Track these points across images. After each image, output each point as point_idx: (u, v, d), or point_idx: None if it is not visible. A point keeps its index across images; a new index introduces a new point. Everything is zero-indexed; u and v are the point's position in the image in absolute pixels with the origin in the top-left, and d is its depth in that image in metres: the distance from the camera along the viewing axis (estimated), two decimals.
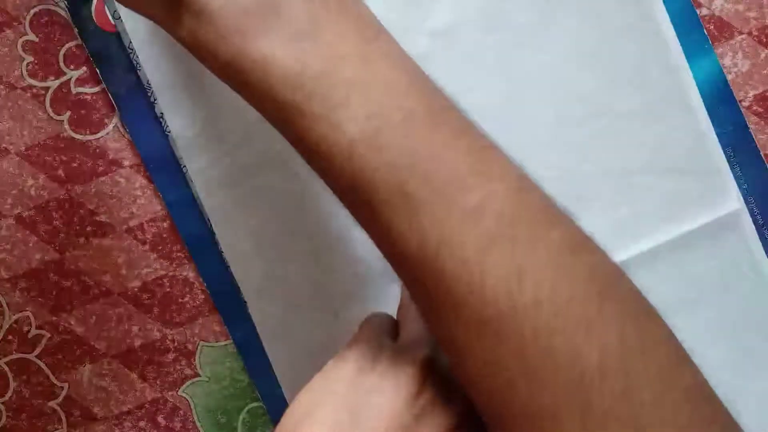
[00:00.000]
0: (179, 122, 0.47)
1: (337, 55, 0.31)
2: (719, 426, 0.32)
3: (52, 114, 0.48)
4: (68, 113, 0.48)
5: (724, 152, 0.47)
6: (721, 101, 0.47)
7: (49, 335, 0.49)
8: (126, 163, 0.48)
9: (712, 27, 0.47)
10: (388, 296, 0.48)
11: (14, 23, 0.47)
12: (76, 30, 0.47)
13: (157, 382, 0.50)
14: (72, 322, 0.49)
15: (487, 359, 0.30)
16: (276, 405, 0.49)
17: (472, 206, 0.30)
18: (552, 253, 0.30)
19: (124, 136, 0.48)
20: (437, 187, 0.30)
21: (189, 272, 0.49)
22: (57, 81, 0.48)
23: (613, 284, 0.32)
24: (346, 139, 0.30)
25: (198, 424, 0.50)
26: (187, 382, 0.50)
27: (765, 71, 0.47)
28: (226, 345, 0.49)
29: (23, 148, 0.48)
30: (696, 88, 0.47)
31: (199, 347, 0.49)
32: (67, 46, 0.48)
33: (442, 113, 0.32)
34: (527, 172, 0.33)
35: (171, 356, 0.50)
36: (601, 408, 0.29)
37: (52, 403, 0.50)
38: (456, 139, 0.31)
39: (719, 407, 0.33)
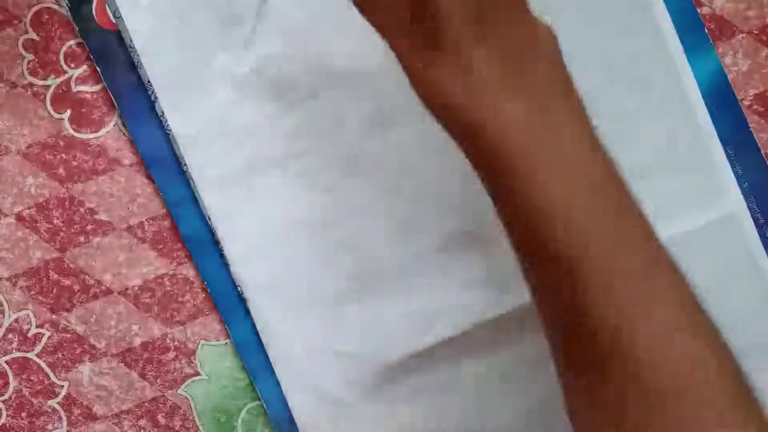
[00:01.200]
0: (179, 121, 0.47)
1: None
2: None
3: (52, 112, 0.48)
4: (69, 112, 0.48)
5: (725, 151, 0.47)
6: (721, 100, 0.47)
7: (49, 334, 0.49)
8: (126, 161, 0.48)
9: (713, 26, 0.47)
10: (389, 296, 0.48)
11: (15, 22, 0.47)
12: (76, 28, 0.47)
13: (157, 381, 0.50)
14: (72, 321, 0.49)
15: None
16: (276, 404, 0.49)
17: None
18: None
19: (124, 134, 0.48)
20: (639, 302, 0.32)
21: (189, 271, 0.49)
22: (57, 79, 0.48)
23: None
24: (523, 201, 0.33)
25: (198, 423, 0.50)
26: (187, 381, 0.50)
27: (765, 70, 0.47)
28: (226, 344, 0.49)
29: (24, 147, 0.48)
30: (696, 88, 0.47)
31: (199, 346, 0.49)
32: (67, 44, 0.48)
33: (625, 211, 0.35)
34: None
35: (171, 355, 0.50)
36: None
37: (52, 402, 0.50)
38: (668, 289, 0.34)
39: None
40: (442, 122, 0.34)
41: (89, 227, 0.49)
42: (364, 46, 0.46)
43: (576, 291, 0.32)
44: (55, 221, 0.49)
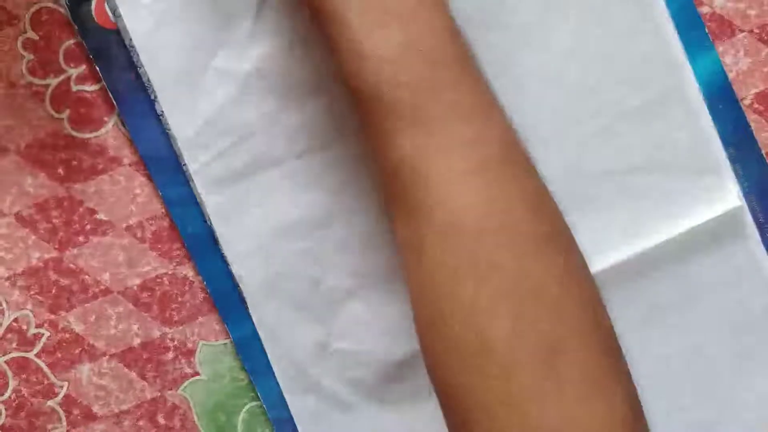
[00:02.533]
0: (179, 120, 0.47)
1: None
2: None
3: (51, 112, 0.48)
4: (68, 111, 0.48)
5: (725, 150, 0.47)
6: (721, 99, 0.47)
7: (48, 334, 0.49)
8: (126, 161, 0.48)
9: (713, 25, 0.47)
10: (390, 296, 0.48)
11: (14, 21, 0.47)
12: (76, 28, 0.47)
13: (157, 381, 0.50)
14: (71, 321, 0.49)
15: (440, 259, 0.35)
16: (275, 404, 0.49)
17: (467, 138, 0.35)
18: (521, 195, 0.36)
19: (123, 134, 0.48)
20: (442, 115, 0.35)
21: (189, 271, 0.49)
22: (57, 79, 0.48)
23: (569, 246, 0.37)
24: (376, 56, 0.35)
25: (197, 423, 0.50)
26: (187, 381, 0.50)
27: (766, 69, 0.47)
28: (225, 344, 0.49)
29: (23, 146, 0.48)
30: (697, 87, 0.47)
31: (198, 346, 0.49)
32: (67, 43, 0.47)
33: (467, 62, 0.37)
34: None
35: (170, 355, 0.49)
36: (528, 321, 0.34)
37: (52, 402, 0.50)
38: (473, 82, 0.36)
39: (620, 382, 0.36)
40: None
41: (88, 227, 0.49)
42: None
43: (379, 132, 0.36)
44: (54, 221, 0.49)
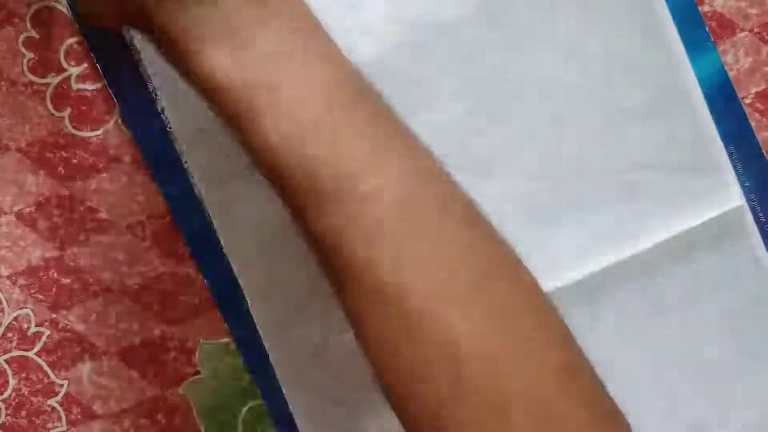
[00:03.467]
0: (180, 118, 0.47)
1: (264, 61, 0.34)
2: (586, 402, 0.34)
3: (52, 110, 0.48)
4: (69, 109, 0.48)
5: (726, 149, 0.47)
6: (722, 98, 0.47)
7: (48, 332, 0.49)
8: (127, 159, 0.48)
9: (714, 24, 0.47)
10: None
11: (15, 19, 0.47)
12: (77, 26, 0.47)
13: (157, 380, 0.50)
14: (72, 320, 0.49)
15: (377, 330, 0.34)
16: (276, 403, 0.49)
17: (365, 193, 0.34)
18: (435, 242, 0.34)
19: (124, 132, 0.48)
20: (340, 180, 0.34)
21: (189, 269, 0.49)
22: (58, 77, 0.48)
23: (492, 274, 0.35)
24: (269, 144, 0.34)
25: (198, 422, 0.50)
26: (187, 380, 0.50)
27: (767, 68, 0.47)
28: (226, 343, 0.49)
29: (24, 145, 0.48)
30: (698, 85, 0.47)
31: (199, 345, 0.49)
32: (67, 42, 0.48)
33: (355, 108, 0.35)
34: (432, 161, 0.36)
35: (171, 354, 0.49)
36: (471, 383, 0.33)
37: (52, 401, 0.50)
38: (361, 136, 0.35)
39: (590, 388, 0.35)
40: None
41: (89, 225, 0.49)
42: (362, 43, 0.46)
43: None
44: (54, 219, 0.49)
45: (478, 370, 0.33)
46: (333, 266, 0.35)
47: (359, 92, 0.36)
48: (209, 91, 0.35)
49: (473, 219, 0.36)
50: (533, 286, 0.36)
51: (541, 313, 0.35)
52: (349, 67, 0.36)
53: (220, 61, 0.34)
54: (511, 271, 0.36)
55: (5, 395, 0.50)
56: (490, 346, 0.33)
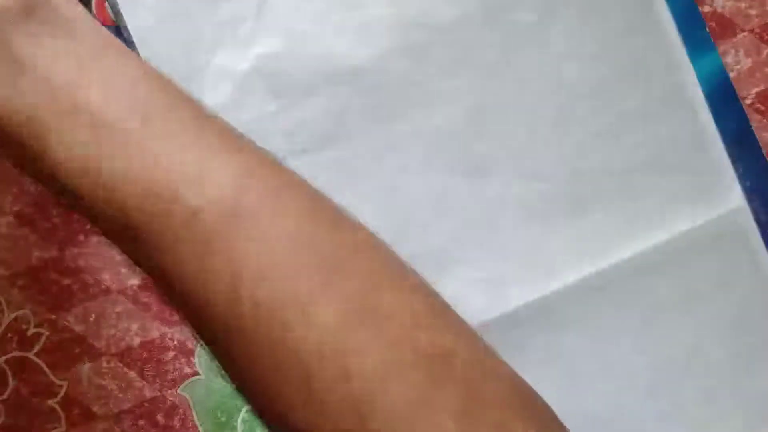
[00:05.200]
0: None
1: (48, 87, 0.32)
2: (453, 386, 0.31)
3: None
4: None
5: (726, 150, 0.47)
6: (723, 99, 0.47)
7: (48, 333, 0.49)
8: None
9: (714, 24, 0.47)
10: None
11: None
12: None
13: (157, 381, 0.50)
14: (71, 320, 0.49)
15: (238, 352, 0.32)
16: None
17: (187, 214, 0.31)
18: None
19: None
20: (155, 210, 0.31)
21: None
22: None
23: (339, 264, 0.32)
24: (61, 166, 0.32)
25: (197, 422, 0.50)
26: (187, 381, 0.50)
27: (767, 69, 0.47)
28: None
29: None
30: (698, 86, 0.47)
31: (198, 345, 0.49)
32: None
33: (172, 113, 0.33)
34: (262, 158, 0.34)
35: (170, 354, 0.49)
36: (322, 385, 0.30)
37: (51, 402, 0.50)
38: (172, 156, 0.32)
39: (459, 371, 0.32)
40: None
41: (88, 226, 0.49)
42: (362, 44, 0.46)
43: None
44: (54, 220, 0.49)
45: (331, 370, 0.30)
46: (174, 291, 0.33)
47: (174, 94, 0.33)
48: None
49: (314, 211, 0.34)
50: (393, 265, 0.34)
51: (401, 291, 0.33)
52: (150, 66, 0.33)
53: None
54: (361, 255, 0.33)
55: (5, 396, 0.50)
56: (341, 343, 0.31)
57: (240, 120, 0.47)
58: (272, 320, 0.31)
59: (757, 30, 0.47)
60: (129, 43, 0.46)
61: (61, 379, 0.50)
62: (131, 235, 0.32)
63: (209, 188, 0.32)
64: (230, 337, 0.32)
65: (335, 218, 0.34)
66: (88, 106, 0.32)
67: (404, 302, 0.33)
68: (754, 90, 0.47)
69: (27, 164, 0.33)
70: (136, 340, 0.49)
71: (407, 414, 0.30)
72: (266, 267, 0.31)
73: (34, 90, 0.32)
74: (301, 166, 0.48)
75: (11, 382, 0.49)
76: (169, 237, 0.32)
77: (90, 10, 0.47)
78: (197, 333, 0.34)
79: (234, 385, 0.33)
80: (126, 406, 0.50)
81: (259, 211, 0.32)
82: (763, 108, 0.48)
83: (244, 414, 0.50)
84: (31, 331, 0.49)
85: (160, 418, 0.50)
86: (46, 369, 0.49)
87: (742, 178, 0.47)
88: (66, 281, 0.49)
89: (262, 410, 0.33)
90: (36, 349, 0.49)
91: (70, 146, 0.31)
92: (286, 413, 0.31)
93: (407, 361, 0.31)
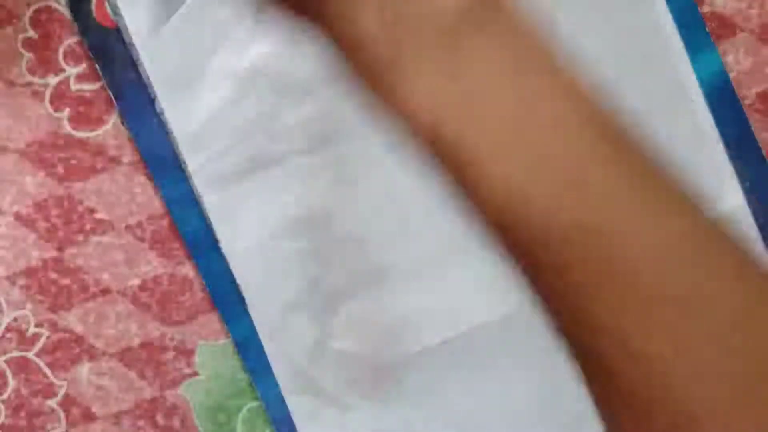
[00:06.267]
0: (179, 119, 0.47)
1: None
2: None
3: (51, 111, 0.48)
4: (68, 110, 0.48)
5: (726, 150, 0.47)
6: (723, 99, 0.47)
7: (47, 333, 0.49)
8: (125, 160, 0.48)
9: (714, 24, 0.47)
10: (389, 296, 0.48)
11: (14, 20, 0.47)
12: (76, 27, 0.47)
13: (156, 381, 0.50)
14: (71, 320, 0.49)
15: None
16: (275, 404, 0.49)
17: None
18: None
19: (123, 133, 0.48)
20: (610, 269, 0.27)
21: (188, 270, 0.49)
22: (56, 78, 0.48)
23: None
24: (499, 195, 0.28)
25: (197, 423, 0.50)
26: (186, 381, 0.50)
27: (767, 69, 0.47)
28: (225, 344, 0.49)
29: (22, 145, 0.48)
30: (698, 86, 0.47)
31: (198, 346, 0.49)
32: (66, 42, 0.47)
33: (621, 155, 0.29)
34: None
35: (170, 355, 0.49)
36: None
37: (51, 402, 0.50)
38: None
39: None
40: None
41: (88, 226, 0.49)
42: None
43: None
44: (53, 220, 0.49)
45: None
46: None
47: (621, 137, 0.30)
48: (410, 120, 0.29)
49: None
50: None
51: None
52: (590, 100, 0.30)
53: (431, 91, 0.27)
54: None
55: (4, 396, 0.50)
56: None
57: (240, 120, 0.47)
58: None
59: (757, 30, 0.47)
60: (128, 44, 0.46)
61: (61, 379, 0.50)
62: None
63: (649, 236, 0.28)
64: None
65: None
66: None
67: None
68: (754, 90, 0.47)
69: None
70: (136, 341, 0.49)
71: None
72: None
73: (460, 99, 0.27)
74: (301, 166, 0.48)
75: (11, 382, 0.49)
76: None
77: (91, 11, 0.47)
78: None
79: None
80: (125, 406, 0.50)
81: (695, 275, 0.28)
82: (762, 108, 0.48)
83: (243, 414, 0.50)
84: (31, 331, 0.49)
85: (159, 418, 0.50)
86: (45, 369, 0.49)
87: (742, 177, 0.47)
88: (66, 281, 0.49)
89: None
90: (36, 349, 0.49)
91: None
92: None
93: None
